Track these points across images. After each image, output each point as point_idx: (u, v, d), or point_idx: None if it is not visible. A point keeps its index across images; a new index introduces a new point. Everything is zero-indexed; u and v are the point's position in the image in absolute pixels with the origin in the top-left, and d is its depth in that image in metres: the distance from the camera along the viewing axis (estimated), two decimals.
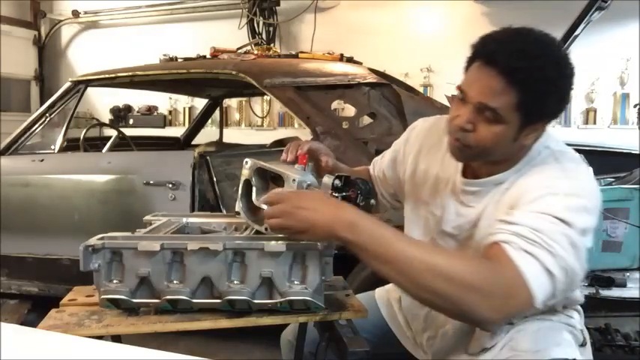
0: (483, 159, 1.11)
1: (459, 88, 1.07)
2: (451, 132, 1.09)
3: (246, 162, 1.24)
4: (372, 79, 2.48)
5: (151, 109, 6.11)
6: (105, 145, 2.93)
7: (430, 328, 1.31)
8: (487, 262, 0.96)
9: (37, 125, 2.80)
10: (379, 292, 1.50)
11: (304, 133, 2.89)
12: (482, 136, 1.04)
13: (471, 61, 1.05)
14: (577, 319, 1.25)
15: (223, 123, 4.54)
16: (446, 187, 1.21)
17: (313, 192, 1.08)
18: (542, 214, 0.96)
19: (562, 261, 0.94)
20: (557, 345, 1.16)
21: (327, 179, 1.17)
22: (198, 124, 4.21)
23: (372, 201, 1.17)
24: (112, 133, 3.20)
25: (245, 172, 1.25)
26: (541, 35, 1.04)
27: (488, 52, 1.01)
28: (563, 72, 1.02)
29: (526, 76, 0.98)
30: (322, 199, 1.03)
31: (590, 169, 1.09)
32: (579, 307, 1.28)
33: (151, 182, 2.43)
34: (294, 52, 3.06)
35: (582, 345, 1.23)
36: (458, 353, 1.24)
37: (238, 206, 1.26)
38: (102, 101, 6.12)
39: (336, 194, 1.14)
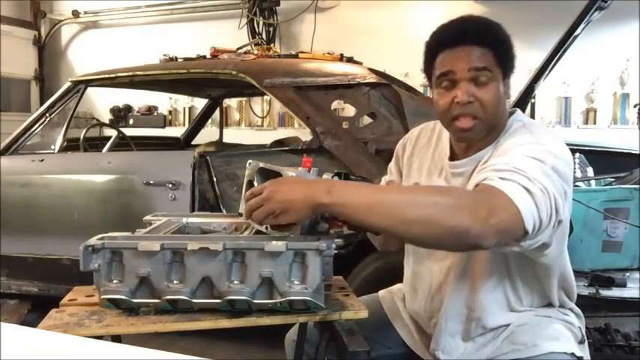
0: (492, 126, 1.16)
1: (441, 77, 1.14)
2: (458, 115, 1.13)
3: (249, 163, 1.26)
4: (372, 79, 2.48)
5: (150, 109, 6.11)
6: (105, 145, 2.93)
7: (433, 320, 1.31)
8: (470, 190, 1.03)
9: (37, 125, 2.80)
10: (383, 292, 1.51)
11: (304, 133, 2.88)
12: (486, 99, 1.12)
13: (433, 55, 1.15)
14: (574, 317, 1.28)
15: (223, 123, 4.54)
16: (439, 177, 1.26)
17: (287, 177, 1.10)
18: (514, 156, 1.05)
19: (537, 183, 0.98)
20: (556, 339, 1.19)
21: (327, 176, 1.18)
22: (198, 124, 4.21)
23: None
24: (112, 133, 3.20)
25: (247, 173, 1.26)
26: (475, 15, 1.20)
27: (452, 36, 1.13)
28: (508, 34, 1.17)
29: (492, 36, 1.14)
30: (296, 179, 1.07)
31: (561, 137, 1.15)
32: (577, 309, 1.31)
33: (151, 182, 2.43)
34: (294, 52, 3.05)
35: (580, 343, 1.26)
36: (460, 339, 1.26)
37: (242, 207, 1.27)
38: (102, 101, 6.12)
39: None
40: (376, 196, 0.98)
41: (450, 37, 1.13)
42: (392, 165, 1.45)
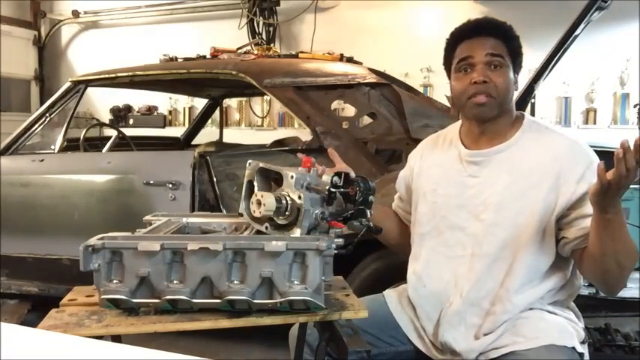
0: (503, 107, 1.28)
1: (460, 62, 1.29)
2: (475, 93, 1.26)
3: (249, 163, 1.26)
4: (372, 79, 2.48)
5: (151, 109, 6.10)
6: (105, 145, 2.93)
7: (435, 315, 1.32)
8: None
9: (37, 125, 2.79)
10: (388, 291, 1.51)
11: (304, 133, 2.88)
12: (499, 81, 1.26)
13: (454, 46, 1.32)
14: (574, 317, 1.30)
15: (223, 123, 4.53)
16: (451, 166, 1.34)
17: None
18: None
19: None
20: (558, 333, 1.21)
21: (327, 177, 1.18)
22: (198, 124, 4.21)
23: (371, 198, 1.18)
24: (112, 133, 3.20)
25: (247, 173, 1.26)
26: None
27: (471, 29, 1.31)
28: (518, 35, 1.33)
29: (505, 31, 1.31)
30: None
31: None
32: (576, 309, 1.33)
33: (151, 182, 2.43)
34: (294, 52, 3.05)
35: (582, 342, 1.27)
36: (463, 338, 1.27)
37: (242, 207, 1.27)
38: (102, 101, 6.11)
39: (335, 191, 1.15)
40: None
41: (469, 30, 1.31)
42: (403, 183, 1.52)
